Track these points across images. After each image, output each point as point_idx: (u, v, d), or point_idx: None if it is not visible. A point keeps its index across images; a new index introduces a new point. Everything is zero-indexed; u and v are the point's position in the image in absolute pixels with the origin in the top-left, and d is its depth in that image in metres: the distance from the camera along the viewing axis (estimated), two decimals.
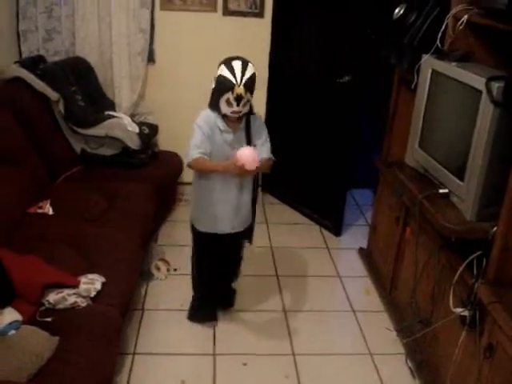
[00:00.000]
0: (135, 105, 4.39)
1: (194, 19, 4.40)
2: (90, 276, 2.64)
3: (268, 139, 2.83)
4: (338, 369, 2.90)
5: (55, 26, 4.27)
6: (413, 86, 2.95)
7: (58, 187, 3.66)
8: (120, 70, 4.30)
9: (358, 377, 2.86)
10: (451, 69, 2.57)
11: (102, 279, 2.64)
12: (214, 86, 2.66)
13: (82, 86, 4.08)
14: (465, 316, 2.34)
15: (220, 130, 2.70)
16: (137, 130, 3.96)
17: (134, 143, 3.92)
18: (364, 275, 3.76)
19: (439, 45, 2.78)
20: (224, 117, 2.69)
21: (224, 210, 2.84)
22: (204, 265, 3.08)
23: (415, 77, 2.92)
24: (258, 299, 3.33)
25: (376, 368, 2.91)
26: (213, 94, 2.68)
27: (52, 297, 2.45)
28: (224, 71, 2.56)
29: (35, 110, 3.76)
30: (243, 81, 2.53)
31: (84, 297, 2.51)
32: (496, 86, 2.20)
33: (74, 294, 2.49)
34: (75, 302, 2.46)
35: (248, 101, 2.60)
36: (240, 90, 2.53)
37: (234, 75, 2.53)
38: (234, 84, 2.53)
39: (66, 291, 2.49)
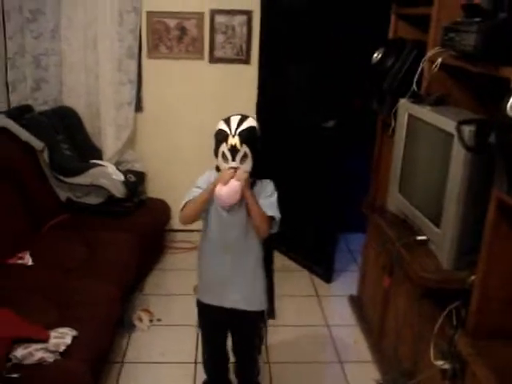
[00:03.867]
0: (121, 153, 4.38)
1: (180, 67, 4.43)
2: (61, 330, 2.56)
3: (274, 201, 2.47)
4: None
5: (43, 76, 4.31)
6: (390, 131, 2.92)
7: (41, 236, 3.62)
8: (107, 119, 4.31)
9: None
10: (426, 113, 2.53)
11: (74, 333, 2.56)
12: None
13: (68, 134, 4.11)
14: (445, 369, 2.24)
15: None
16: (122, 178, 3.94)
17: (119, 191, 3.90)
18: (353, 324, 3.65)
19: (415, 88, 2.74)
20: None
21: (216, 278, 2.58)
22: (206, 344, 2.81)
23: (393, 121, 2.88)
24: None
25: None
26: (214, 150, 2.44)
27: (20, 352, 2.37)
28: (221, 125, 2.37)
29: (20, 160, 3.76)
30: (238, 130, 2.31)
31: (52, 352, 2.43)
32: (467, 129, 2.15)
33: (42, 348, 2.42)
34: (42, 358, 2.37)
35: (246, 155, 2.33)
36: (234, 140, 2.30)
37: (229, 126, 2.33)
38: (227, 134, 2.32)
39: (34, 346, 2.41)
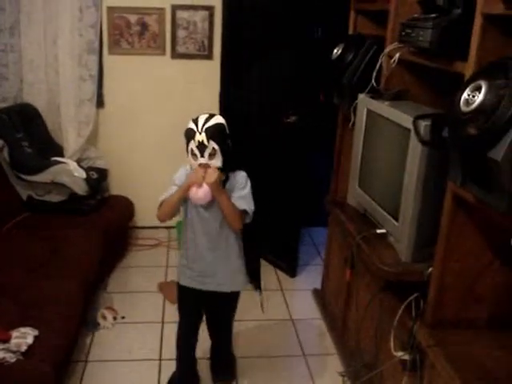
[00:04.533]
0: (83, 150, 4.33)
1: (142, 63, 4.41)
2: (23, 330, 2.54)
3: (247, 192, 2.57)
4: None
5: (2, 73, 4.24)
6: (350, 126, 2.95)
7: (2, 236, 3.56)
8: (68, 116, 4.26)
9: None
10: (384, 108, 2.57)
11: (35, 333, 2.54)
12: None
13: (28, 132, 4.04)
14: (405, 360, 2.28)
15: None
16: (83, 175, 3.90)
17: (80, 189, 3.86)
18: (317, 317, 3.69)
19: (374, 84, 2.78)
20: None
21: (197, 265, 2.67)
22: (182, 327, 2.88)
23: (352, 116, 2.91)
24: (206, 342, 3.18)
25: None
26: (186, 149, 2.49)
27: None
28: (189, 124, 2.43)
29: None
30: (204, 127, 2.37)
31: (14, 352, 2.40)
32: (423, 124, 2.18)
33: (3, 349, 2.39)
34: (3, 358, 2.35)
35: (214, 151, 2.39)
36: (201, 136, 2.36)
37: (196, 124, 2.40)
38: (194, 131, 2.38)
39: None
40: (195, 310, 2.85)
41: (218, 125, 2.42)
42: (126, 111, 4.51)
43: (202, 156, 2.40)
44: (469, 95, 1.70)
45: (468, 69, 1.92)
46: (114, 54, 4.36)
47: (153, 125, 4.54)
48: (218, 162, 2.42)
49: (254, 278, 2.91)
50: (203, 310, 2.88)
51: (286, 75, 3.96)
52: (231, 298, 2.82)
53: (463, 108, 1.72)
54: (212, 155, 2.41)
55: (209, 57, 4.41)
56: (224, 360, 3.08)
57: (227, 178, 2.54)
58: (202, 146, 2.38)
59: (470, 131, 1.66)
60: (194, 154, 2.42)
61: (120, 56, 4.37)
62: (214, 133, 2.39)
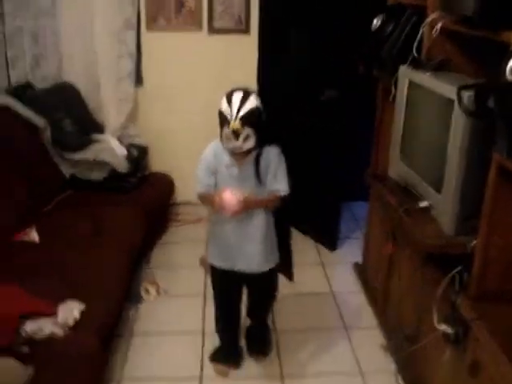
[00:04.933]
0: (123, 127, 4.38)
1: (179, 39, 4.41)
2: (69, 304, 2.60)
3: (282, 172, 2.58)
4: None
5: (42, 52, 4.29)
6: (391, 98, 2.90)
7: (46, 213, 3.65)
8: (107, 94, 4.31)
9: None
10: (426, 79, 2.52)
11: (81, 307, 2.60)
12: None
13: (69, 110, 4.10)
14: (448, 333, 2.27)
15: (225, 164, 2.55)
16: (124, 152, 3.95)
17: (121, 166, 3.91)
18: (358, 291, 3.69)
19: (415, 54, 2.72)
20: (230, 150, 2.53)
21: (228, 244, 2.68)
22: (220, 307, 2.91)
23: (393, 88, 2.87)
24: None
25: None
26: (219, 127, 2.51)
27: (29, 326, 2.41)
28: (223, 105, 2.40)
29: (22, 138, 3.77)
30: (239, 115, 2.35)
31: (62, 326, 2.47)
32: (467, 94, 2.13)
33: (52, 323, 2.46)
34: (52, 332, 2.42)
35: (248, 136, 2.40)
36: (236, 125, 2.35)
37: (230, 109, 2.36)
38: (229, 118, 2.36)
39: (43, 320, 2.44)
40: (230, 291, 2.85)
41: (252, 110, 2.39)
42: (164, 88, 4.53)
43: (237, 139, 2.40)
44: None
45: None
46: (152, 30, 4.37)
47: (191, 101, 4.55)
48: (251, 143, 2.44)
49: (286, 267, 2.89)
50: (241, 291, 2.88)
51: (325, 48, 3.91)
52: (265, 278, 2.78)
53: (509, 77, 1.68)
54: (246, 139, 2.41)
55: (246, 31, 4.39)
56: (260, 337, 3.10)
57: (261, 154, 2.53)
58: (236, 133, 2.38)
59: None
60: (228, 138, 2.42)
61: (158, 33, 4.38)
62: (248, 120, 2.37)
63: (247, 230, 2.62)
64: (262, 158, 2.53)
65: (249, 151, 2.49)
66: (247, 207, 2.47)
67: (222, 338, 2.99)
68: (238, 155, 2.51)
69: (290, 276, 2.92)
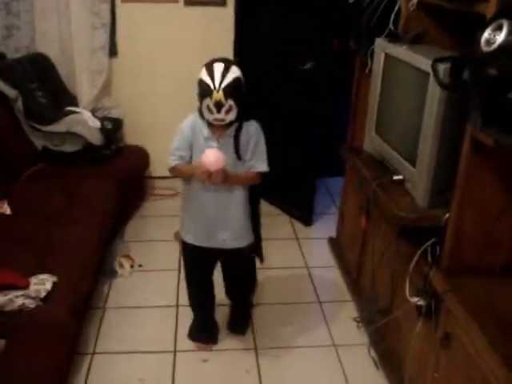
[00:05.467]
0: (97, 99, 4.31)
1: (155, 11, 4.33)
2: (41, 276, 2.57)
3: (262, 150, 2.55)
4: (301, 362, 2.85)
5: (14, 22, 4.21)
6: (367, 71, 2.89)
7: (18, 186, 3.59)
8: (81, 65, 4.24)
9: (321, 369, 2.81)
10: (402, 52, 2.51)
11: (54, 279, 2.58)
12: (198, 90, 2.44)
13: (42, 82, 4.02)
14: (421, 305, 2.29)
15: (204, 136, 2.48)
16: (98, 125, 3.90)
17: (95, 139, 3.85)
18: (333, 265, 3.71)
19: (392, 27, 2.71)
20: (209, 123, 2.45)
21: (205, 219, 2.62)
22: (192, 284, 2.88)
23: (369, 61, 2.85)
24: (222, 291, 3.23)
25: (339, 359, 2.86)
26: (198, 98, 2.43)
27: (0, 299, 2.39)
28: (204, 75, 2.33)
29: None
30: (222, 86, 2.28)
31: (33, 298, 2.44)
32: (442, 67, 2.12)
33: (23, 295, 2.43)
34: (23, 304, 2.39)
35: (231, 108, 2.33)
36: (219, 96, 2.28)
37: (212, 80, 2.29)
38: (212, 90, 2.29)
39: (14, 293, 2.42)
40: (203, 267, 2.81)
41: (235, 80, 2.33)
42: (139, 60, 4.45)
43: (219, 112, 2.34)
44: (490, 35, 1.65)
45: (489, 9, 1.85)
46: (127, 2, 4.28)
47: (167, 74, 4.49)
48: (233, 115, 2.38)
49: (257, 247, 2.81)
50: (213, 268, 2.86)
51: (301, 20, 3.87)
52: (241, 256, 2.75)
53: (484, 48, 1.68)
54: (228, 111, 2.35)
55: (222, 3, 4.32)
56: (239, 317, 3.08)
57: (240, 128, 2.48)
58: (218, 104, 2.32)
59: (491, 72, 1.62)
60: (210, 110, 2.35)
61: (133, 4, 4.29)
62: (232, 91, 2.31)
63: (226, 203, 2.58)
64: (242, 133, 2.48)
65: (229, 124, 2.44)
66: (226, 179, 2.42)
67: (196, 315, 2.98)
68: (217, 128, 2.45)
69: (260, 256, 2.86)
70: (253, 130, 2.51)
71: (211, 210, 2.59)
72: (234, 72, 2.34)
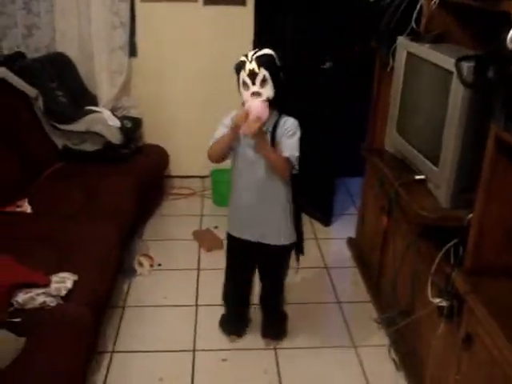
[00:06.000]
0: (117, 99, 4.32)
1: (174, 10, 4.32)
2: (62, 275, 2.58)
3: (295, 141, 2.52)
4: (320, 362, 2.83)
5: (34, 22, 4.23)
6: (389, 69, 2.87)
7: (38, 184, 3.61)
8: (100, 64, 4.25)
9: (341, 370, 2.79)
10: (424, 50, 2.49)
11: (74, 277, 2.58)
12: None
13: (62, 81, 4.04)
14: (442, 306, 2.26)
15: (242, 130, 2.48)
16: (118, 124, 3.91)
17: (115, 138, 3.87)
18: (352, 265, 3.69)
19: (414, 26, 2.69)
20: None
21: (244, 213, 2.69)
22: (229, 274, 2.91)
23: (391, 60, 2.83)
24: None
25: (359, 360, 2.84)
26: (237, 83, 2.48)
27: (21, 297, 2.40)
28: (240, 58, 2.44)
29: (14, 108, 3.72)
30: (255, 56, 2.39)
31: (54, 296, 2.45)
32: (466, 65, 2.11)
33: (44, 293, 2.44)
34: (44, 302, 2.40)
35: (265, 79, 2.38)
36: (251, 65, 2.37)
37: (246, 55, 2.41)
38: (244, 61, 2.39)
39: (35, 291, 2.43)
40: (243, 262, 2.84)
41: (268, 55, 2.43)
42: (158, 59, 4.45)
43: (254, 83, 2.39)
44: None
45: None
46: (146, 1, 4.28)
47: (186, 73, 4.48)
48: (269, 90, 2.42)
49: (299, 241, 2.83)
50: (254, 268, 2.88)
51: (321, 21, 3.86)
52: (279, 253, 2.77)
53: (509, 46, 1.65)
54: (264, 82, 2.40)
55: (242, 2, 4.30)
56: (274, 318, 3.04)
57: (278, 122, 2.51)
58: (252, 74, 2.38)
59: None
60: (245, 85, 2.41)
61: (152, 3, 4.29)
62: (264, 60, 2.39)
63: (266, 195, 2.60)
64: (279, 126, 2.52)
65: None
66: (261, 137, 2.42)
67: (227, 308, 3.01)
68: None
69: (301, 250, 2.87)
70: (289, 124, 2.53)
71: (253, 206, 2.63)
72: (268, 50, 2.45)
